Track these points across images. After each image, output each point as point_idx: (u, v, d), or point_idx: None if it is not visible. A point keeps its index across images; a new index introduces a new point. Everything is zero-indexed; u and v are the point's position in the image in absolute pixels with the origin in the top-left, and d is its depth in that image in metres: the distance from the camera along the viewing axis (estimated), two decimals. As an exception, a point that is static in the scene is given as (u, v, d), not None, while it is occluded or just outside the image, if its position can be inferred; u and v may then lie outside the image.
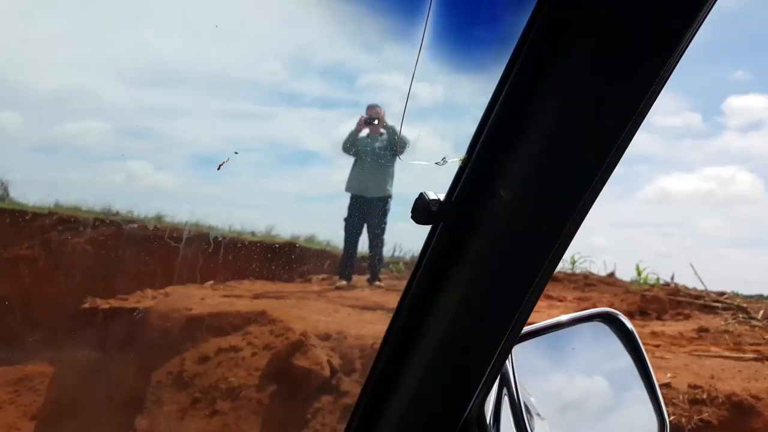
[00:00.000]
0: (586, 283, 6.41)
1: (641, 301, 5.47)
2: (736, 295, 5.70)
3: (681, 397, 3.08)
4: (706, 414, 2.99)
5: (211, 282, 4.55)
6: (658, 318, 5.17)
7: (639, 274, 6.68)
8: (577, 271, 6.90)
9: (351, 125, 4.65)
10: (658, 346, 4.03)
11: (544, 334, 0.77)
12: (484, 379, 0.61)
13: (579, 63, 0.47)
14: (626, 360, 0.80)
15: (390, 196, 4.42)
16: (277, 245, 5.47)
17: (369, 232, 4.93)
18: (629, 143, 0.52)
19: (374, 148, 4.65)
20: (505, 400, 0.70)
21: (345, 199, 4.83)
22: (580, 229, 0.57)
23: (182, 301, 3.82)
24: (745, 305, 5.18)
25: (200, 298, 3.99)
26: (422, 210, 0.55)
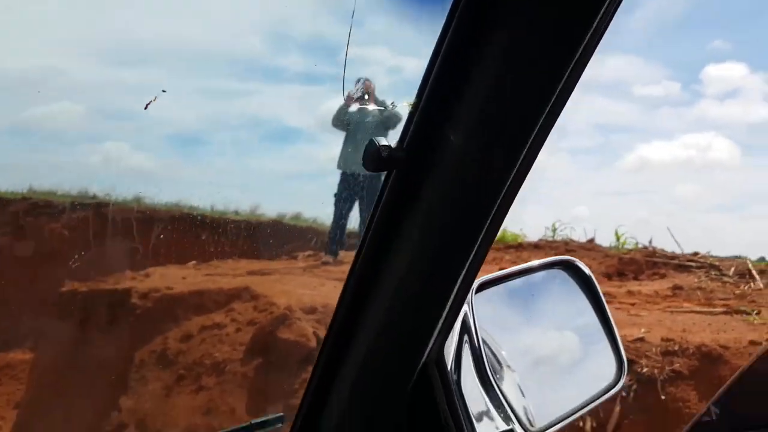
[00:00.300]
0: (566, 249, 6.52)
1: (619, 263, 5.62)
2: (710, 255, 5.88)
3: (654, 349, 3.22)
4: (678, 364, 3.14)
5: (194, 262, 4.52)
6: (635, 278, 5.32)
7: (618, 239, 6.83)
8: (558, 238, 7.02)
9: (337, 101, 4.53)
10: (633, 304, 4.16)
11: (506, 281, 0.79)
12: (438, 329, 0.61)
13: (524, 3, 0.47)
14: (585, 304, 0.83)
15: (383, 172, 4.34)
16: (261, 224, 5.43)
17: (360, 208, 4.89)
18: (574, 85, 0.53)
19: (365, 123, 4.54)
20: (466, 347, 0.72)
21: (332, 177, 4.76)
22: (530, 173, 0.57)
23: (163, 281, 3.79)
24: (717, 263, 5.36)
25: (181, 278, 3.96)
26: (372, 156, 0.54)
